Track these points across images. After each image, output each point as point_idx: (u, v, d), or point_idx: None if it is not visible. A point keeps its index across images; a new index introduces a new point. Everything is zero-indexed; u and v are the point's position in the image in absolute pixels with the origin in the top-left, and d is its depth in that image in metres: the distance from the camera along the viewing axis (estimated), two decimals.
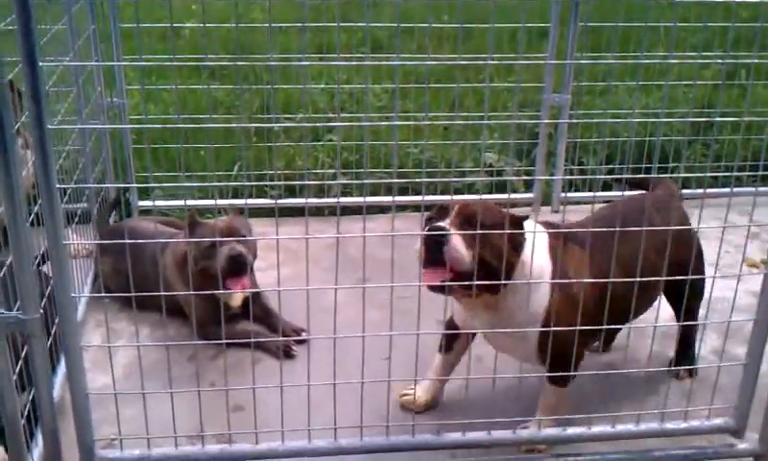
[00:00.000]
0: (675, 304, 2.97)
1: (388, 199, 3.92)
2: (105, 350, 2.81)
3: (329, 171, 4.45)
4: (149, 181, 4.03)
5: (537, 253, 2.52)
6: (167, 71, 5.42)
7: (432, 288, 2.42)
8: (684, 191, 3.17)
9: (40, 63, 1.97)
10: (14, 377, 2.27)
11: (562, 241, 2.60)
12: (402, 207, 4.16)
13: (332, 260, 2.32)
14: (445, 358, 2.91)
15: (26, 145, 3.25)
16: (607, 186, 4.45)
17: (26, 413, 2.40)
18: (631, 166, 4.38)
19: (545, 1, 4.24)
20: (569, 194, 4.57)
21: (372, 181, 4.02)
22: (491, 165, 4.56)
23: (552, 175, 4.43)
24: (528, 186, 4.59)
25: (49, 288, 2.47)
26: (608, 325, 2.52)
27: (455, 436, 2.55)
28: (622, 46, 4.78)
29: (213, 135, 4.39)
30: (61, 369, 2.85)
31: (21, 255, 2.14)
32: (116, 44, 3.94)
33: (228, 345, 2.84)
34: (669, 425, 2.63)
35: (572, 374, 2.65)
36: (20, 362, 2.34)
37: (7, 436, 2.31)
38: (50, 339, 2.52)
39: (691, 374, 3.10)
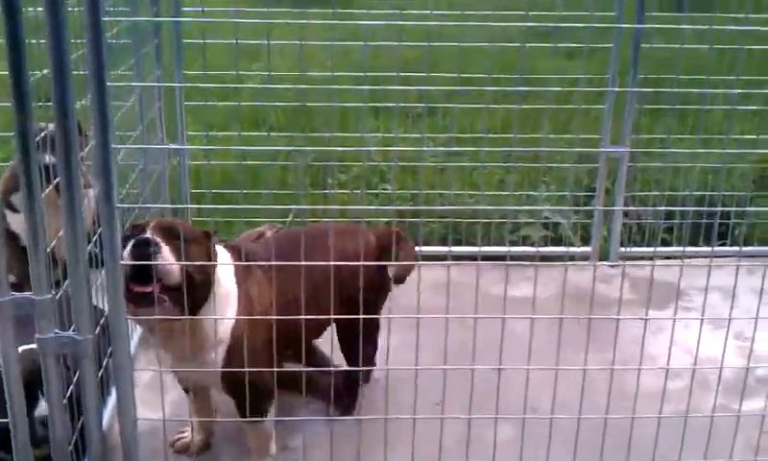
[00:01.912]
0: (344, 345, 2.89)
1: (444, 249, 3.93)
2: (154, 389, 2.81)
3: (383, 219, 4.43)
4: (208, 225, 4.06)
5: (223, 274, 2.52)
6: (228, 126, 5.56)
7: (138, 300, 2.32)
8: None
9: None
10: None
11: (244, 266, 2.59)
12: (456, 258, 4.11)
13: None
14: (191, 399, 2.88)
15: (87, 185, 3.32)
16: (666, 241, 4.34)
17: (73, 442, 2.39)
18: (690, 221, 4.26)
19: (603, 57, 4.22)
20: (628, 249, 4.46)
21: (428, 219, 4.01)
22: (546, 217, 4.50)
23: (609, 230, 4.36)
24: (585, 240, 4.51)
25: (102, 319, 2.48)
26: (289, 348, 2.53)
27: None
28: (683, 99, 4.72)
29: (271, 183, 4.45)
30: (111, 401, 2.85)
31: (78, 276, 2.16)
32: (179, 92, 4.03)
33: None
34: None
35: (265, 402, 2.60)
36: (70, 388, 2.34)
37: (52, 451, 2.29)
38: (101, 370, 2.53)
39: None
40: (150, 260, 2.30)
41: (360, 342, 2.51)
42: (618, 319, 2.57)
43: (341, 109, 5.16)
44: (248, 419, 2.53)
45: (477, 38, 4.28)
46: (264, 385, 2.56)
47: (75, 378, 2.31)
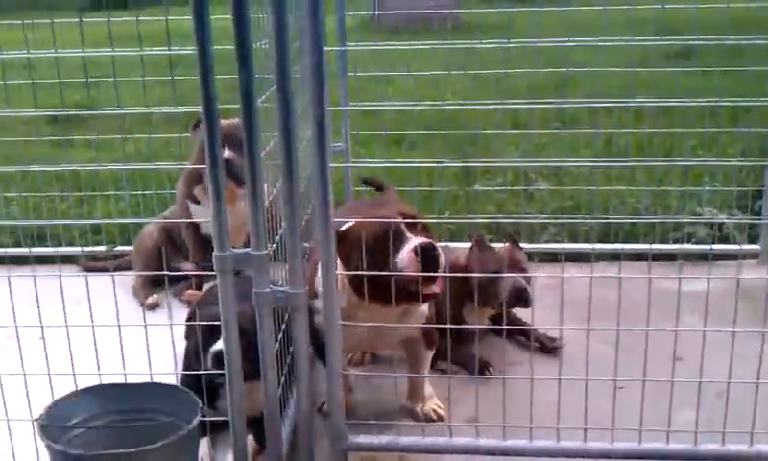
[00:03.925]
0: None
1: (612, 247, 3.97)
2: None
3: (538, 219, 4.45)
4: None
5: None
6: (371, 144, 5.75)
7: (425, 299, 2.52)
8: None
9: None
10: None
11: None
12: (616, 256, 4.07)
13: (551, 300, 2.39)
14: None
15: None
16: None
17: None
18: None
19: None
20: None
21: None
22: (711, 212, 4.41)
23: None
24: (753, 239, 4.37)
25: None
26: None
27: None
28: None
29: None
30: None
31: (293, 235, 2.29)
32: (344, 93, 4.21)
33: None
34: None
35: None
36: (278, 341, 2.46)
37: (265, 415, 2.41)
38: None
39: None
40: (436, 263, 2.47)
41: None
42: None
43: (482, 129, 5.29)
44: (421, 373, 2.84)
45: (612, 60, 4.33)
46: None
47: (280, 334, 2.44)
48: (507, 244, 3.39)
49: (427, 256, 2.45)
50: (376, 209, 2.85)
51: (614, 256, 4.05)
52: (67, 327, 2.38)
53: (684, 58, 5.28)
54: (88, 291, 2.41)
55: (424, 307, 2.71)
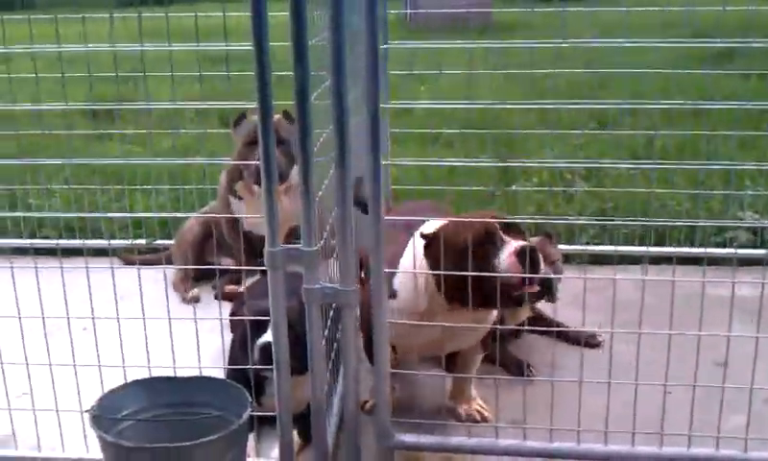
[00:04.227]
0: None
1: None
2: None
3: (579, 221, 4.42)
4: None
5: None
6: (403, 142, 5.74)
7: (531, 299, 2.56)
8: None
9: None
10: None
11: None
12: (654, 259, 4.05)
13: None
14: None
15: None
16: None
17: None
18: None
19: None
20: None
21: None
22: (752, 215, 4.37)
23: None
24: None
25: None
26: None
27: None
28: None
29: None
30: None
31: (345, 232, 2.30)
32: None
33: None
34: None
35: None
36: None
37: (312, 411, 2.41)
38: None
39: None
40: (537, 266, 2.45)
41: None
42: None
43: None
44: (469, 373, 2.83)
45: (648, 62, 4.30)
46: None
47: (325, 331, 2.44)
48: (540, 238, 3.37)
49: (528, 259, 2.41)
50: (447, 213, 2.85)
51: (653, 260, 4.05)
52: (118, 319, 2.41)
53: (726, 59, 5.22)
54: (140, 284, 2.43)
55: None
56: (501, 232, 2.48)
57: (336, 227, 2.31)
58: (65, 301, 2.43)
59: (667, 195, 4.39)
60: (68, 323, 2.43)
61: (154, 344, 2.44)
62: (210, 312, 3.32)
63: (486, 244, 2.45)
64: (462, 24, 9.44)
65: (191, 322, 2.46)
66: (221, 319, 2.45)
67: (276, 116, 3.79)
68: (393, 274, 2.61)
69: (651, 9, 4.78)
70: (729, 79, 6.78)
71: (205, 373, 2.47)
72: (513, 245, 2.44)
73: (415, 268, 2.56)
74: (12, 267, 2.45)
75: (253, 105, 2.20)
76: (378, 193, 2.31)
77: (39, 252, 3.27)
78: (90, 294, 2.42)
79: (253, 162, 3.55)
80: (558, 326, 3.31)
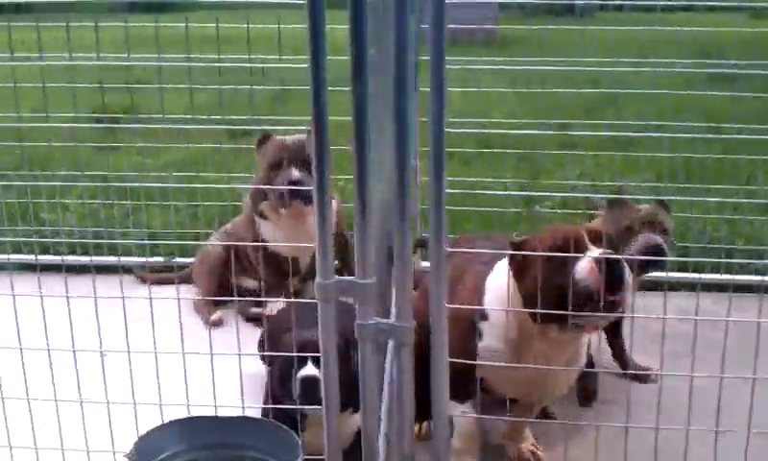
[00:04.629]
0: None
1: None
2: None
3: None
4: None
5: None
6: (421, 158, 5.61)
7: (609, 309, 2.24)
8: None
9: None
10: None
11: None
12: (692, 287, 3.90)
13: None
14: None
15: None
16: None
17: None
18: None
19: None
20: None
21: None
22: None
23: None
24: None
25: None
26: None
27: None
28: None
29: None
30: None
31: (404, 263, 2.14)
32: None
33: None
34: None
35: None
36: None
37: (363, 453, 2.25)
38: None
39: None
40: (620, 277, 2.23)
41: None
42: None
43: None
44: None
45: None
46: None
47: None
48: (653, 204, 3.17)
49: (608, 268, 2.20)
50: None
51: (692, 287, 3.90)
52: (156, 353, 2.23)
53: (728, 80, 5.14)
54: (179, 312, 2.26)
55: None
56: (588, 241, 2.30)
57: (396, 256, 2.16)
58: (99, 332, 2.26)
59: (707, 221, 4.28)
60: (102, 357, 2.25)
61: (188, 377, 2.26)
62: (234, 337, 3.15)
63: (569, 252, 2.25)
64: (467, 38, 9.35)
65: (219, 350, 2.28)
66: (264, 354, 2.28)
67: (300, 137, 3.67)
68: (480, 297, 2.47)
69: (658, 28, 4.71)
70: (740, 101, 6.68)
71: (245, 407, 2.30)
72: (595, 252, 2.25)
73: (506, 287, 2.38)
74: (41, 296, 2.27)
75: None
76: (440, 219, 2.15)
77: (70, 269, 3.14)
78: (125, 322, 2.24)
79: (280, 187, 3.53)
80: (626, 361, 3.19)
